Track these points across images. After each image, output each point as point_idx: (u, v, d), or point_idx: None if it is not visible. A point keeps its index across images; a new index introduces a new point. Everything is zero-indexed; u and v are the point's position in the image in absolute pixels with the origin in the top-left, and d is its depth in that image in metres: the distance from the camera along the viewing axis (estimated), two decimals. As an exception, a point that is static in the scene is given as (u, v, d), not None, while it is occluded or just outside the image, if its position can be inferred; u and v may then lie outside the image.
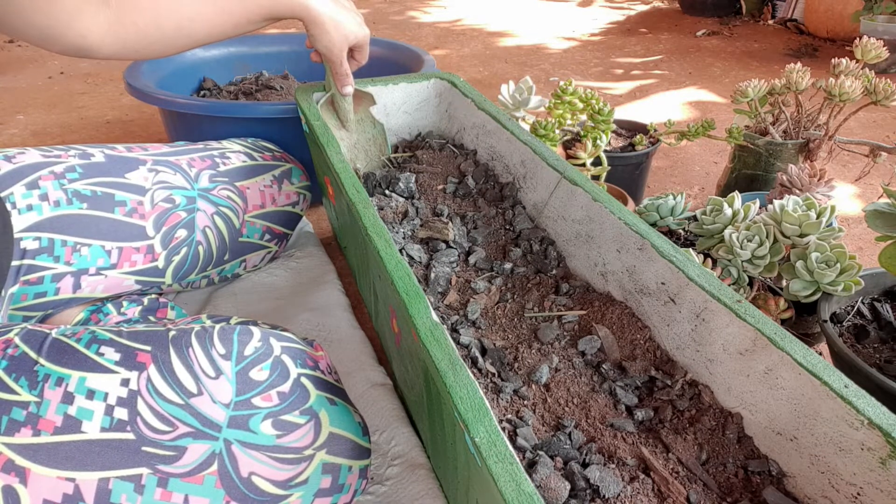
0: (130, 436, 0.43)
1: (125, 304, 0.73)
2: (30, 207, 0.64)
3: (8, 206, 0.62)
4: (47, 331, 0.47)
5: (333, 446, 0.48)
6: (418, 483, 0.59)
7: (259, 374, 0.46)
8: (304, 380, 0.48)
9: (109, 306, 0.72)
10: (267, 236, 0.83)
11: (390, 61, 1.22)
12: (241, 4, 0.66)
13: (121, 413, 0.43)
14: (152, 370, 0.45)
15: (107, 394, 0.43)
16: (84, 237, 0.67)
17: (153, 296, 0.77)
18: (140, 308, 0.74)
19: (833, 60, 0.93)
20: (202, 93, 1.20)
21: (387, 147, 0.92)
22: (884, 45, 0.91)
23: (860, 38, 0.92)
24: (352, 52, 0.79)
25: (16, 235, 0.62)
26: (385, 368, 0.73)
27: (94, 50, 0.59)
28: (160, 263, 0.73)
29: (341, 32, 0.72)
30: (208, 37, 0.67)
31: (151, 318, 0.74)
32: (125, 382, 0.44)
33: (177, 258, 0.74)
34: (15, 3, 0.51)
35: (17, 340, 0.45)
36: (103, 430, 0.42)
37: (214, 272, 0.81)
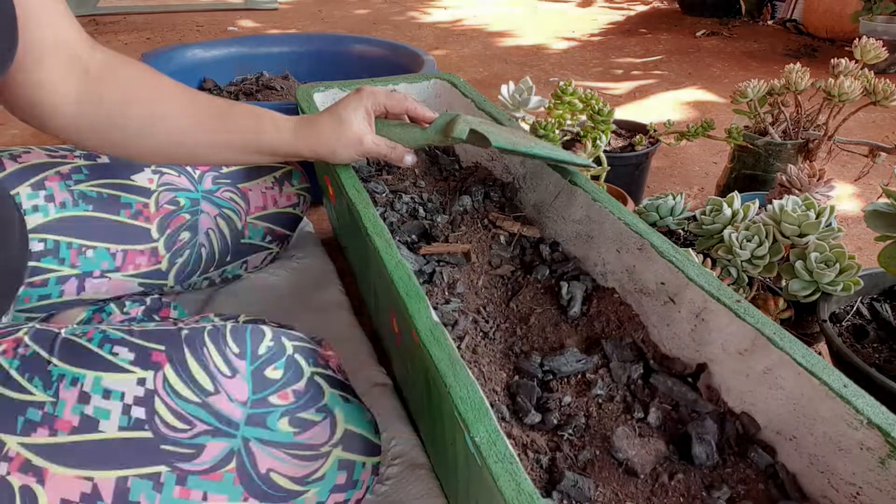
0: (149, 434, 0.43)
1: (127, 304, 0.73)
2: (35, 209, 0.64)
3: (12, 206, 0.62)
4: (56, 330, 0.47)
5: (348, 443, 0.49)
6: (418, 483, 0.59)
7: (274, 372, 0.47)
8: (317, 378, 0.49)
9: (112, 306, 0.72)
10: (268, 237, 0.84)
11: (390, 61, 1.22)
12: (227, 128, 0.61)
13: (138, 412, 0.43)
14: (168, 369, 0.45)
15: (123, 393, 0.44)
16: (90, 239, 0.67)
17: (155, 296, 0.77)
18: (143, 308, 0.74)
19: (832, 61, 0.93)
20: (203, 93, 1.20)
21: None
22: (883, 46, 0.92)
23: (859, 39, 0.92)
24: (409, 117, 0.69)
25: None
26: (385, 368, 0.73)
27: (47, 112, 0.53)
28: (163, 266, 0.73)
29: (347, 155, 0.66)
30: (179, 147, 0.61)
31: (155, 317, 0.74)
32: (142, 382, 0.44)
33: (180, 260, 0.74)
34: None
35: (27, 340, 0.45)
36: (121, 429, 0.43)
37: (216, 273, 0.81)
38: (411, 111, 0.67)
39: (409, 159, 0.67)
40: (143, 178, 0.72)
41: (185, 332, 0.47)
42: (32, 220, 0.63)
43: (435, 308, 0.61)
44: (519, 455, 0.48)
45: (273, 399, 0.46)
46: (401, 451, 0.62)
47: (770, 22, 2.55)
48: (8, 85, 0.52)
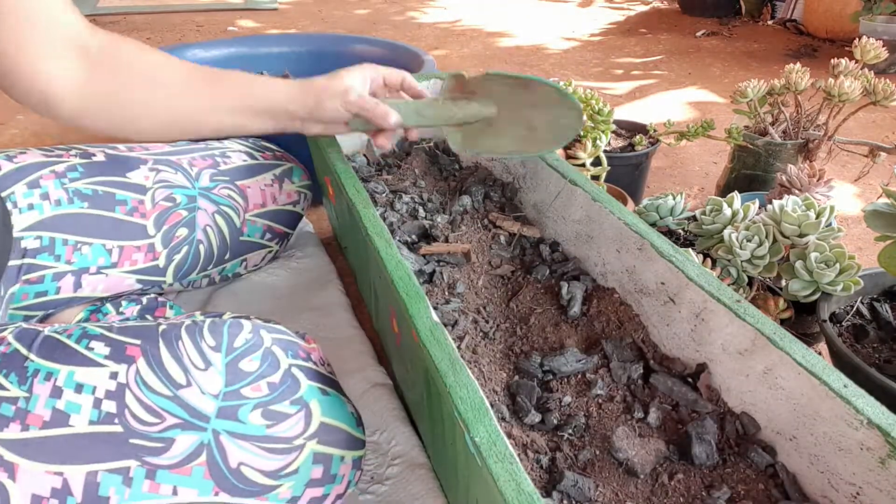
0: (118, 428, 0.43)
1: (124, 303, 0.73)
2: (31, 206, 0.64)
3: (9, 205, 0.62)
4: (40, 329, 0.47)
5: (325, 436, 0.48)
6: (418, 483, 0.59)
7: (249, 364, 0.46)
8: (294, 370, 0.48)
9: (108, 306, 0.72)
10: (268, 235, 0.84)
11: (390, 62, 1.22)
12: (221, 89, 0.64)
13: (109, 406, 0.43)
14: (141, 363, 0.45)
15: (95, 387, 0.43)
16: (85, 236, 0.67)
17: (152, 295, 0.77)
18: (139, 307, 0.74)
19: (832, 61, 0.93)
20: (202, 93, 1.20)
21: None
22: (883, 46, 0.92)
23: (859, 39, 0.92)
24: (402, 89, 0.75)
25: (17, 234, 0.62)
26: (385, 368, 0.73)
27: (56, 100, 0.55)
28: (161, 262, 0.73)
29: (332, 106, 0.67)
30: (178, 122, 0.63)
31: (149, 317, 0.74)
32: (114, 375, 0.44)
33: (178, 257, 0.74)
34: None
35: (10, 338, 0.45)
36: (91, 423, 0.43)
37: (215, 271, 0.81)
38: (407, 83, 0.74)
39: (394, 119, 0.68)
40: (138, 176, 0.72)
41: (162, 327, 0.47)
42: (28, 218, 0.63)
43: (435, 308, 0.61)
44: (519, 455, 0.48)
45: (246, 391, 0.46)
46: (401, 451, 0.62)
47: (770, 22, 2.55)
48: (16, 79, 0.53)
